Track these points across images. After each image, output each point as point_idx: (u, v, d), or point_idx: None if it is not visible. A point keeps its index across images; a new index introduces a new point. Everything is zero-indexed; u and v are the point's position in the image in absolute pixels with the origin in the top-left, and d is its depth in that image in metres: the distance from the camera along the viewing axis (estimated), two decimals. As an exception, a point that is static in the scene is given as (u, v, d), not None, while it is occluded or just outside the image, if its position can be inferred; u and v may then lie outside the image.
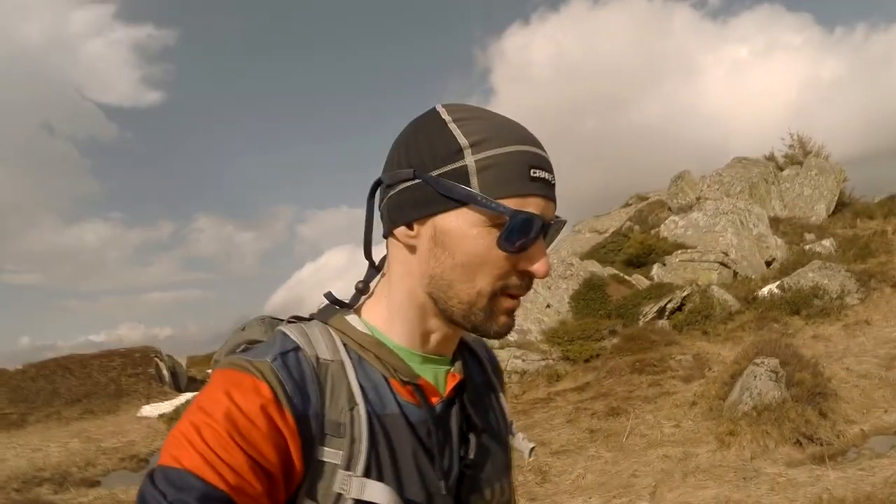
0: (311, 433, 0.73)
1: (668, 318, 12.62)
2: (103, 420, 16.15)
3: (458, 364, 0.89)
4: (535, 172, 0.76)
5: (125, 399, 18.17)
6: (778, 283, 13.02)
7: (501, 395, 1.01)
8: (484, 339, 0.90)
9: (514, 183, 0.75)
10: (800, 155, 20.00)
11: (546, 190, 0.78)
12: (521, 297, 0.81)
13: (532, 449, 0.98)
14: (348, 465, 0.73)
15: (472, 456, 0.86)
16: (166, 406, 16.51)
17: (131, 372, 20.03)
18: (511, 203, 0.74)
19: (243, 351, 0.83)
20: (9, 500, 6.14)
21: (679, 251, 15.11)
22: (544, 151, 0.80)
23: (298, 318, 0.88)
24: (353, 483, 0.72)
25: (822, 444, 5.88)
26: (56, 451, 12.04)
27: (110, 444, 12.57)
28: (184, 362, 22.37)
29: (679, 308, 12.74)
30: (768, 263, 15.59)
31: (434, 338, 0.85)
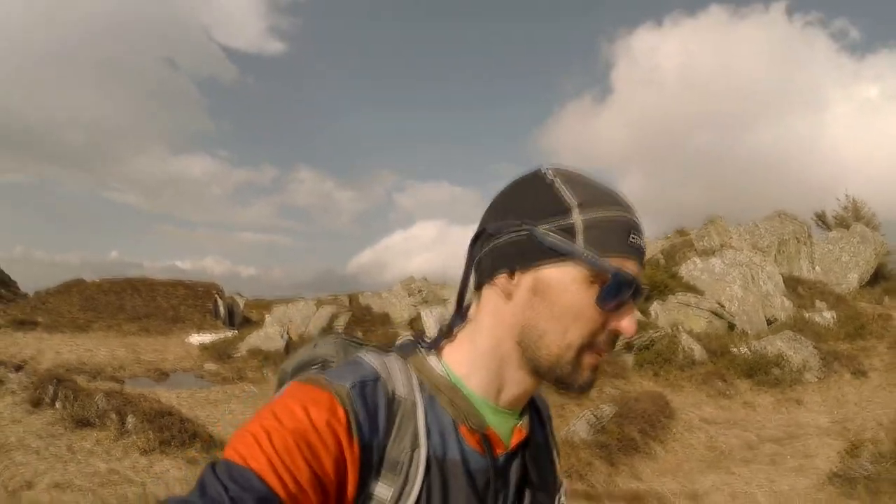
0: (372, 464, 0.79)
1: (634, 354, 14.82)
2: (154, 339, 20.06)
3: (526, 420, 0.96)
4: (633, 238, 0.85)
5: (179, 325, 22.20)
6: (747, 345, 14.87)
7: (556, 454, 1.08)
8: (566, 392, 0.90)
9: (616, 244, 0.83)
10: (851, 219, 21.17)
11: (640, 255, 0.86)
12: (604, 355, 0.88)
13: None
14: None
15: None
16: (209, 337, 20.25)
17: (192, 303, 24.24)
18: (611, 262, 0.82)
19: (319, 369, 0.93)
20: (48, 375, 9.55)
21: (680, 293, 17.12)
22: (639, 220, 0.88)
23: (372, 346, 0.97)
24: None
25: (589, 486, 7.63)
26: (102, 354, 15.84)
27: (147, 357, 16.30)
28: (242, 303, 26.31)
29: (647, 347, 14.88)
30: (770, 322, 17.31)
31: (509, 391, 0.91)
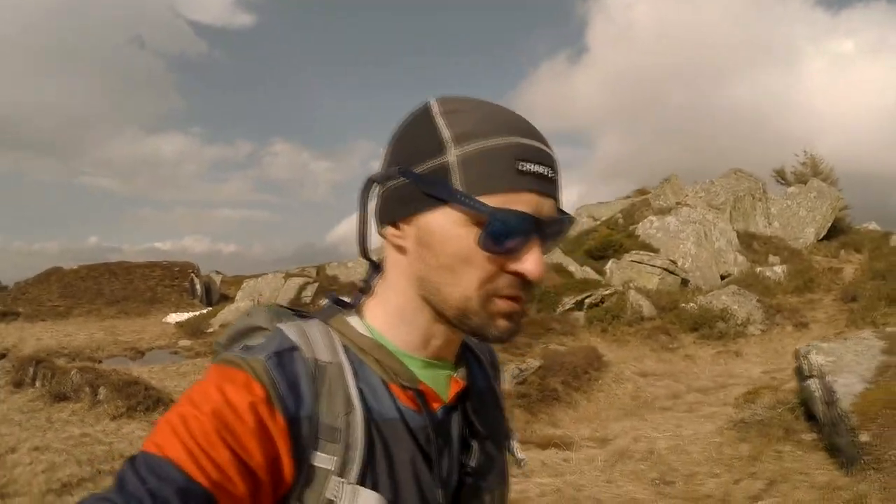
0: (303, 436, 0.77)
1: (585, 311, 16.13)
2: (133, 321, 21.49)
3: (462, 370, 0.94)
4: (523, 166, 0.77)
5: (157, 306, 23.66)
6: (695, 300, 16.19)
7: (501, 399, 1.08)
8: (486, 342, 0.90)
9: (500, 178, 0.76)
10: (809, 174, 22.41)
11: (541, 184, 0.79)
12: (522, 301, 0.83)
13: (523, 461, 1.05)
14: (342, 472, 0.77)
15: (472, 463, 0.91)
16: (186, 316, 21.64)
17: (168, 283, 25.65)
18: (497, 200, 0.76)
19: (243, 347, 0.88)
20: (28, 358, 10.84)
21: (633, 252, 18.42)
22: (543, 143, 0.81)
23: (300, 316, 0.95)
24: (346, 490, 0.77)
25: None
26: (82, 338, 17.20)
27: (124, 338, 17.65)
28: (219, 280, 27.67)
29: (597, 304, 16.19)
30: (724, 277, 18.64)
31: (435, 342, 0.89)
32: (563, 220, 0.83)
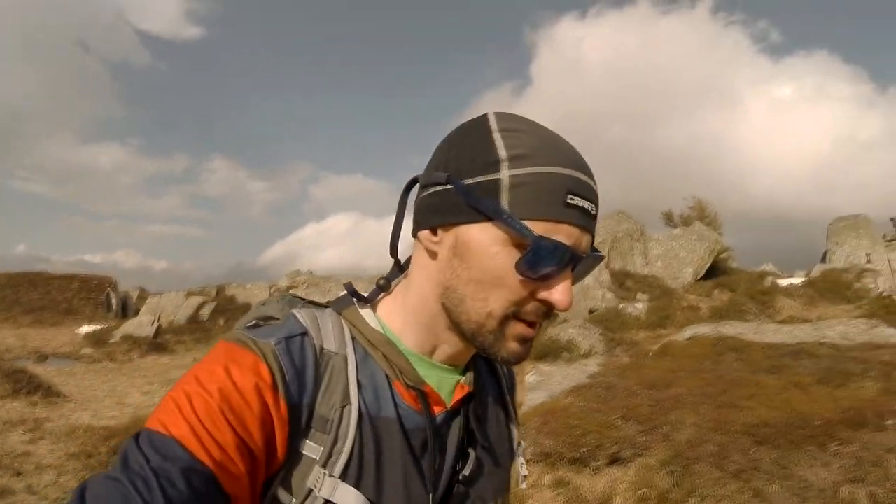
0: (300, 423, 0.86)
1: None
2: (46, 330, 25.21)
3: (470, 375, 1.03)
4: (572, 199, 0.85)
5: (71, 317, 27.45)
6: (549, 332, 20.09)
7: (513, 412, 1.17)
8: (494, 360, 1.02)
9: (547, 206, 0.84)
10: (695, 218, 26.54)
11: (584, 220, 0.87)
12: (538, 326, 0.91)
13: (524, 478, 1.13)
14: (325, 463, 0.86)
15: (466, 472, 0.99)
16: (95, 328, 25.45)
17: (84, 296, 29.48)
18: (540, 227, 0.83)
19: (253, 327, 0.97)
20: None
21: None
22: (591, 179, 0.90)
23: (314, 304, 1.05)
24: (326, 482, 0.85)
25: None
26: (-9, 342, 21.02)
27: (33, 344, 21.48)
28: (135, 296, 31.54)
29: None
30: (592, 312, 22.53)
31: (445, 348, 0.98)
32: (595, 256, 0.93)
